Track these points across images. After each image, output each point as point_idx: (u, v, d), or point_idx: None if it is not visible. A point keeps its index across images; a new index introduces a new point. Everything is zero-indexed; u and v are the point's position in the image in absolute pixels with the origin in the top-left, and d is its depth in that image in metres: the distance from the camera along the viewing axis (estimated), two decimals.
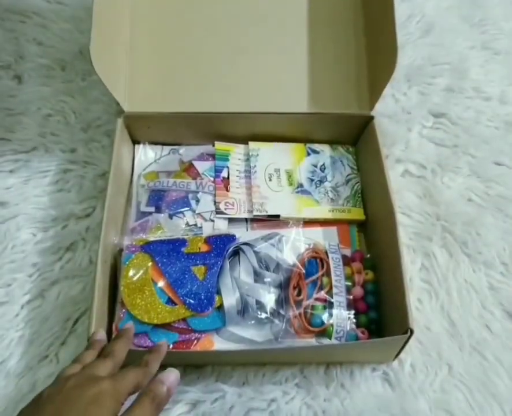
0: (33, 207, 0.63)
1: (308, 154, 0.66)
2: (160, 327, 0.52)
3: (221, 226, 0.60)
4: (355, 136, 0.66)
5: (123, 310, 0.52)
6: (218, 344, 0.52)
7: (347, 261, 0.57)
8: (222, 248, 0.56)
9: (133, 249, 0.55)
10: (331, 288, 0.54)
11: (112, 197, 0.55)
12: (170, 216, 0.60)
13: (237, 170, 0.64)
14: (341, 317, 0.52)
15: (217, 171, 0.64)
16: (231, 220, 0.61)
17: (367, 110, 0.62)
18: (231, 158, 0.65)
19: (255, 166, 0.64)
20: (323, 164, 0.65)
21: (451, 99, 0.74)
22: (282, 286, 0.55)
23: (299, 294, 0.55)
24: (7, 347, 0.55)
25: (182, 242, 0.56)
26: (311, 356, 0.54)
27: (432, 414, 0.52)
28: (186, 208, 0.61)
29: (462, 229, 0.63)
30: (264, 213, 0.61)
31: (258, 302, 0.53)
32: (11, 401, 0.52)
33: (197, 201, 0.61)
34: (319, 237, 0.60)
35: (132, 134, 0.64)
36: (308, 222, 0.61)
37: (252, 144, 0.65)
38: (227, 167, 0.64)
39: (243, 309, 0.53)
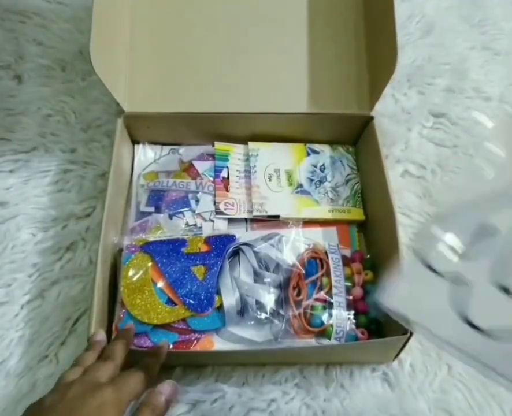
0: (33, 207, 0.63)
1: (308, 154, 0.66)
2: (160, 327, 0.51)
3: (221, 226, 0.60)
4: (355, 136, 0.66)
5: (123, 310, 0.52)
6: (218, 344, 0.52)
7: (346, 261, 0.57)
8: (222, 248, 0.56)
9: (133, 249, 0.55)
10: (331, 288, 0.54)
11: (112, 197, 0.55)
12: (170, 217, 0.60)
13: (237, 170, 0.64)
14: (340, 317, 0.52)
15: (217, 171, 0.63)
16: (231, 220, 0.61)
17: (367, 110, 0.62)
18: (231, 158, 0.65)
19: (254, 166, 0.64)
20: (323, 165, 0.65)
21: (451, 99, 0.74)
22: (282, 287, 0.55)
23: (298, 294, 0.55)
24: (7, 347, 0.55)
25: (182, 242, 0.56)
26: (310, 357, 0.54)
27: (432, 414, 0.52)
28: (186, 208, 0.61)
29: None
30: (264, 213, 0.61)
31: (258, 302, 0.53)
32: (11, 401, 0.52)
33: (197, 201, 0.61)
34: (319, 237, 0.60)
35: (132, 134, 0.64)
36: (308, 222, 0.61)
37: (251, 144, 0.65)
38: (227, 167, 0.64)
39: (243, 310, 0.53)
